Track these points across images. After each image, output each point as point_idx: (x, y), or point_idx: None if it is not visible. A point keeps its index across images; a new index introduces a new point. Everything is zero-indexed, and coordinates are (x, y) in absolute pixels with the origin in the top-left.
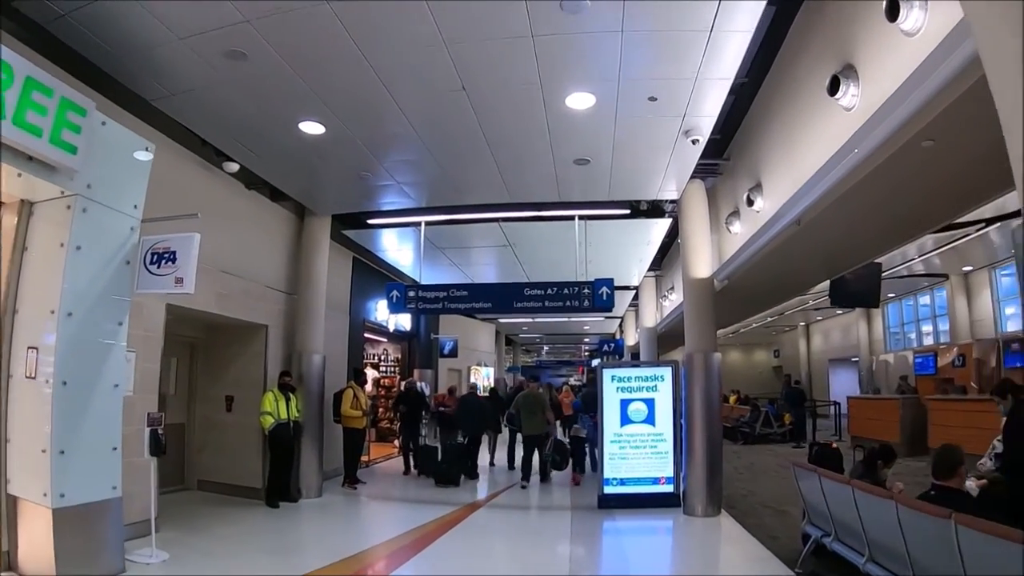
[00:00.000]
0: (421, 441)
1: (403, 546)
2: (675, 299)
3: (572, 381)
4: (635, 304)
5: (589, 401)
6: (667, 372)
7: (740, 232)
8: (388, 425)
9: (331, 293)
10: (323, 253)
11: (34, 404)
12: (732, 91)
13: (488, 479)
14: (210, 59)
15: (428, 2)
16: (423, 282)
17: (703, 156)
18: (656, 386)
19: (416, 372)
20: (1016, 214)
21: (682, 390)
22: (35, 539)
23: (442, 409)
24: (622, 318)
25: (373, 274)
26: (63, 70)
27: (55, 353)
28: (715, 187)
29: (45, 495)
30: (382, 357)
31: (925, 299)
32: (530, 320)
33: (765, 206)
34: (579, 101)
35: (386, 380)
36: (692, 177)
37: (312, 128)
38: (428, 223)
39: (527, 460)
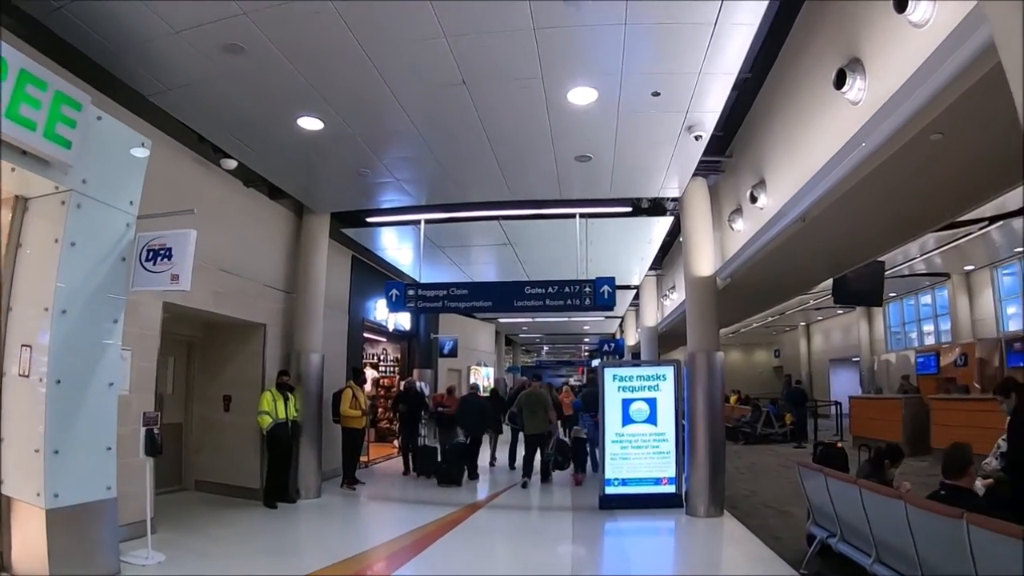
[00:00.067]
0: (420, 441)
1: (403, 547)
2: (676, 298)
3: (572, 381)
4: (636, 303)
5: (590, 401)
6: (669, 371)
7: (743, 230)
8: (387, 425)
9: (330, 292)
10: (322, 251)
11: (28, 403)
12: (735, 86)
13: (489, 479)
14: (207, 53)
15: None
16: (423, 281)
17: (705, 153)
18: (658, 385)
19: (415, 372)
20: (1019, 212)
21: (684, 390)
22: (28, 540)
23: (441, 409)
24: (622, 318)
25: (372, 273)
26: (59, 64)
27: (49, 351)
28: (717, 184)
29: (38, 495)
30: (381, 357)
31: (926, 298)
32: (530, 320)
33: (769, 203)
34: (581, 96)
35: (385, 380)
36: (694, 174)
37: (311, 124)
38: (428, 221)
39: (528, 459)
